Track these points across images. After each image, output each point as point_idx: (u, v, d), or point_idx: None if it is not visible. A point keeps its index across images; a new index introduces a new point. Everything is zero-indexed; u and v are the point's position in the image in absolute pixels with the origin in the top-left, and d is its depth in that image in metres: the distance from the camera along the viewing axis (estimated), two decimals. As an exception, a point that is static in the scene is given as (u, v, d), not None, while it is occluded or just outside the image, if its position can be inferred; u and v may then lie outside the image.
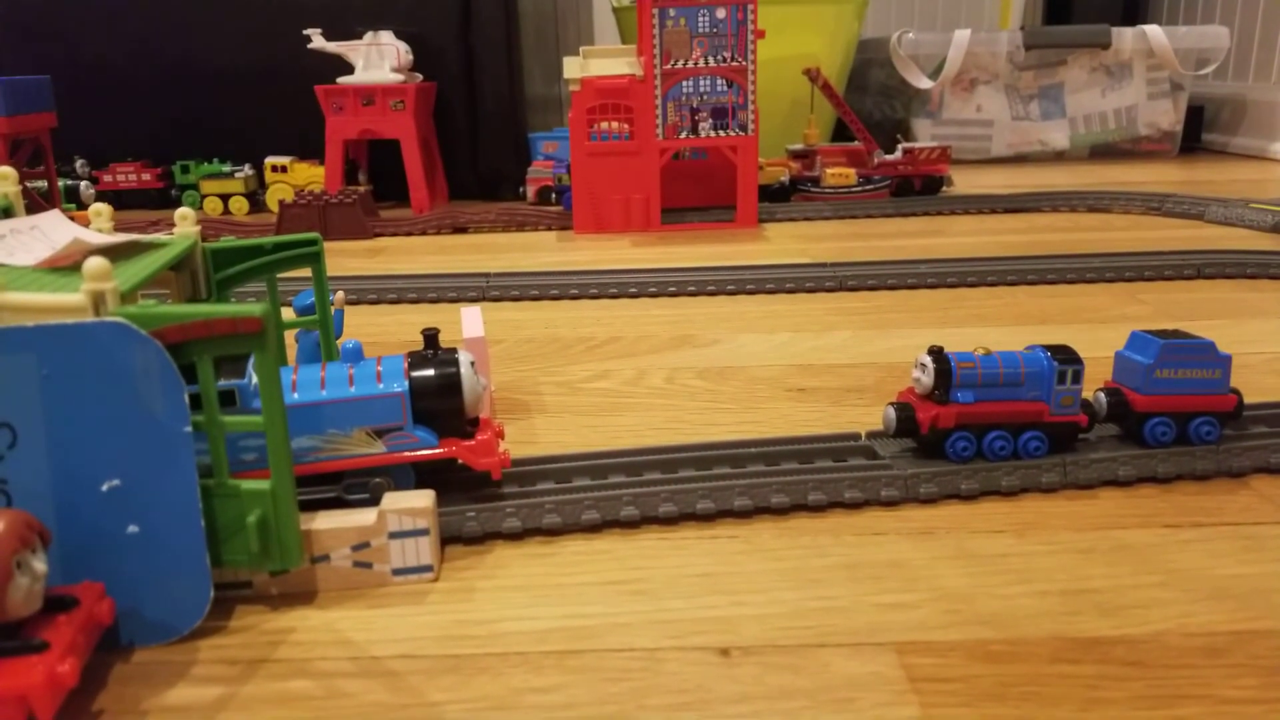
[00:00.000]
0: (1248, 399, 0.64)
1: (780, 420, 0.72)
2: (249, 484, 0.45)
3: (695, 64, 1.44)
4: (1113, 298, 1.04)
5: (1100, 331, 0.92)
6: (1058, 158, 2.28)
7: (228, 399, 0.47)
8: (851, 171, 1.70)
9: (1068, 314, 0.99)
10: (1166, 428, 0.61)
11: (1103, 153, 2.29)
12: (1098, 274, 1.11)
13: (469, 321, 0.67)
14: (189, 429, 0.42)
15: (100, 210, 0.53)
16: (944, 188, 1.75)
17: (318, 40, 1.69)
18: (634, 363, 0.87)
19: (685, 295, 1.10)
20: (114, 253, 0.49)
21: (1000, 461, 0.60)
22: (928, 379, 0.60)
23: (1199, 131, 2.39)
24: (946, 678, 0.42)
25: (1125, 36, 2.18)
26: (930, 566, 0.51)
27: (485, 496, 0.55)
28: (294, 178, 1.75)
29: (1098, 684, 0.42)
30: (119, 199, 1.79)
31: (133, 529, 0.43)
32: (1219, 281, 1.10)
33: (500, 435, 0.56)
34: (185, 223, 0.54)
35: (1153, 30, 2.16)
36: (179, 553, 0.43)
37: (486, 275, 1.14)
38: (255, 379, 0.46)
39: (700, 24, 1.43)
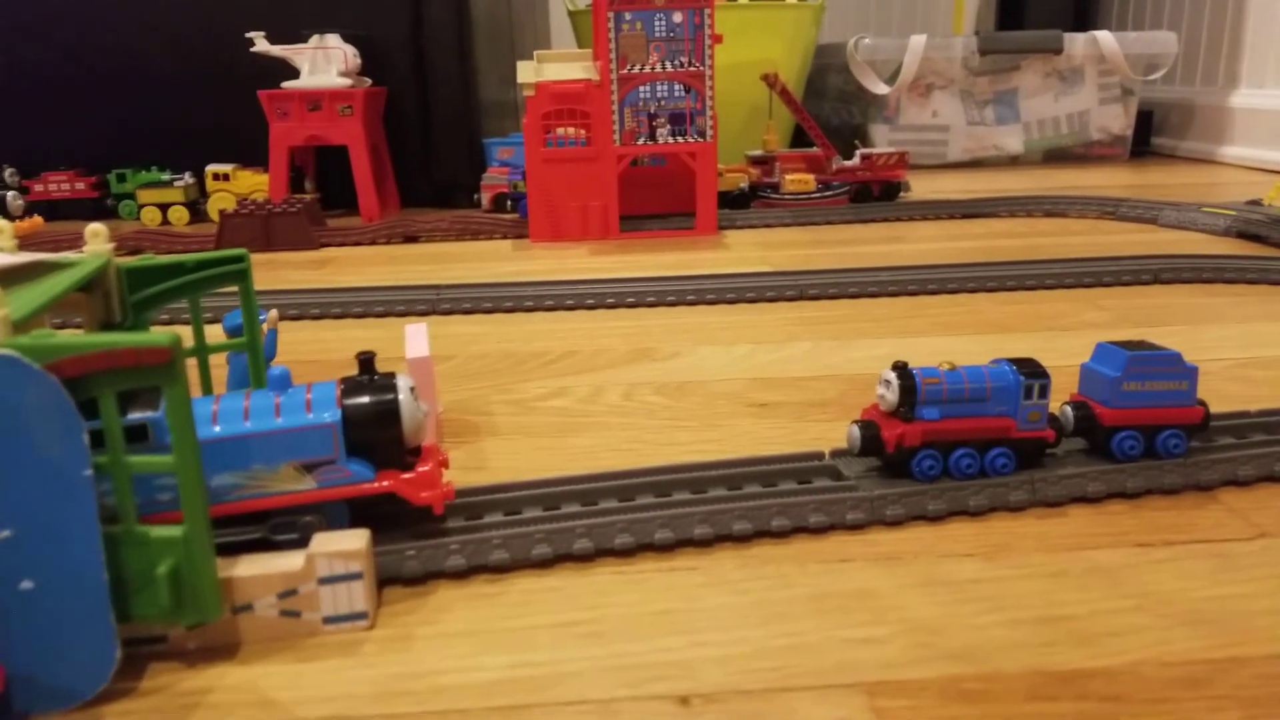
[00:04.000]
0: (1211, 407, 0.62)
1: (741, 438, 0.70)
2: (159, 530, 0.41)
3: (652, 69, 1.42)
4: (1072, 304, 1.03)
5: (1062, 340, 0.91)
6: (1012, 162, 2.29)
7: (139, 434, 0.44)
8: (811, 178, 1.69)
9: (1029, 321, 0.97)
10: (1135, 441, 0.60)
11: (1056, 157, 2.31)
12: (1057, 280, 1.10)
13: (413, 340, 0.64)
14: (89, 472, 0.39)
15: (1, 228, 0.49)
16: (901, 193, 1.74)
17: (261, 44, 1.64)
18: (591, 379, 0.84)
19: (644, 306, 1.07)
20: (14, 275, 0.45)
21: (967, 480, 0.58)
22: (892, 396, 0.58)
23: (1149, 135, 2.42)
24: (919, 721, 0.40)
25: (1077, 42, 2.19)
26: (899, 595, 0.49)
27: (427, 532, 0.51)
28: (237, 186, 1.70)
29: (1077, 723, 0.39)
30: (52, 209, 1.73)
31: (26, 585, 0.38)
32: (1176, 286, 1.09)
33: (444, 465, 0.52)
34: (97, 240, 0.50)
35: (1103, 36, 2.18)
36: (80, 609, 0.39)
37: (437, 287, 1.10)
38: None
39: (657, 28, 1.41)
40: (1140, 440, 0.60)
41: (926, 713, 0.40)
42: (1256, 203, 1.44)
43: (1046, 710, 0.40)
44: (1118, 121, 2.28)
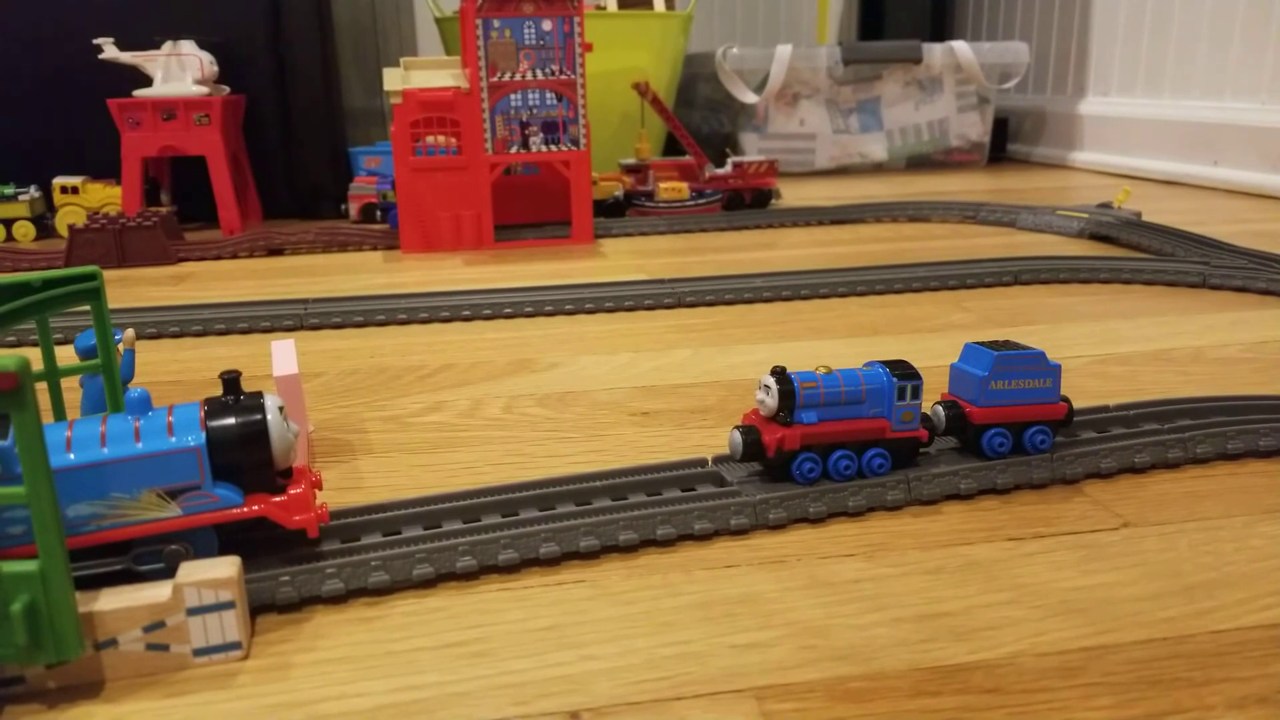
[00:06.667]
0: (1073, 402, 0.65)
1: (625, 447, 0.69)
2: (11, 566, 0.38)
3: (523, 77, 1.40)
4: (938, 306, 1.07)
5: (929, 340, 0.94)
6: (877, 169, 2.37)
7: (-15, 465, 0.40)
8: (684, 186, 1.71)
9: (897, 324, 1.00)
10: (1004, 438, 0.62)
11: (918, 164, 2.40)
12: (923, 283, 1.14)
13: (280, 357, 0.61)
14: (-73, 508, 0.36)
15: None
16: (773, 200, 1.78)
17: (110, 50, 1.56)
18: (469, 392, 0.82)
19: (522, 316, 1.06)
20: None
21: (846, 481, 0.59)
22: (772, 401, 0.59)
23: (1004, 142, 2.54)
24: (808, 723, 0.40)
25: (935, 52, 2.28)
26: (784, 599, 0.49)
27: (301, 557, 0.49)
28: (87, 199, 1.60)
29: (959, 717, 0.40)
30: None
31: None
32: (1035, 287, 1.15)
33: (317, 486, 0.50)
34: (-72, 259, 0.46)
35: (960, 46, 2.28)
36: (-79, 657, 0.36)
37: (305, 301, 1.06)
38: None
39: (526, 36, 1.40)
40: (1009, 437, 0.62)
41: (814, 714, 0.41)
42: (1107, 205, 1.53)
43: (929, 706, 0.41)
44: (975, 129, 2.39)
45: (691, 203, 1.70)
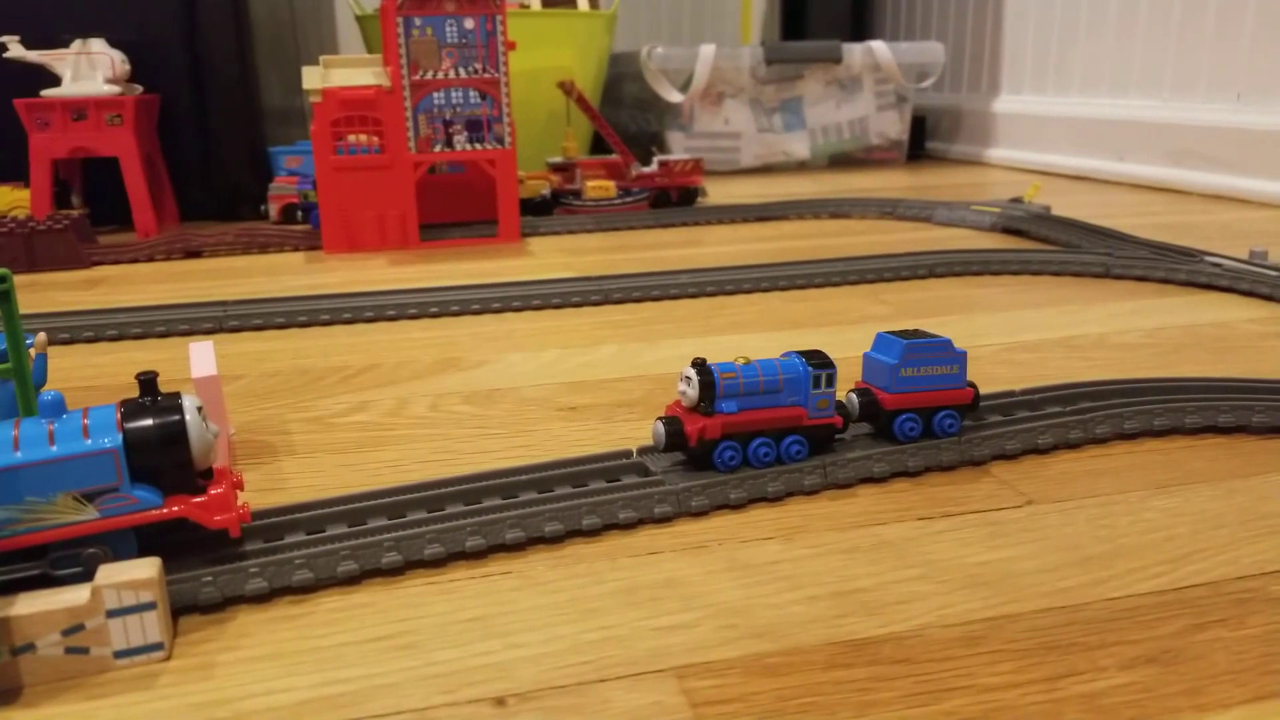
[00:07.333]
0: (981, 389, 0.68)
1: (552, 442, 0.70)
2: (-81, 574, 0.38)
3: (445, 75, 1.40)
4: (856, 299, 1.10)
5: (848, 333, 0.97)
6: (800, 167, 2.41)
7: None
8: (611, 184, 1.72)
9: (817, 317, 1.03)
10: (914, 423, 0.64)
11: (840, 161, 2.44)
12: (842, 277, 1.17)
13: (198, 359, 0.61)
14: None
15: None
16: (699, 198, 1.80)
17: (15, 49, 1.51)
18: (395, 391, 0.82)
19: (448, 315, 1.06)
20: None
21: (765, 468, 0.61)
22: (693, 391, 0.60)
23: (923, 140, 2.60)
24: (726, 699, 0.41)
25: (854, 52, 2.33)
26: (705, 582, 0.51)
27: (224, 557, 0.49)
28: (-7, 202, 1.56)
29: (870, 686, 0.42)
30: None
31: None
32: (949, 279, 1.19)
33: (239, 487, 0.50)
34: None
35: (878, 46, 2.33)
36: None
37: (224, 304, 1.05)
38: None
39: (449, 34, 1.39)
40: (919, 422, 0.64)
41: (733, 689, 0.42)
42: (1018, 200, 1.58)
43: (842, 677, 0.43)
44: (894, 127, 2.44)
45: (619, 201, 1.71)
